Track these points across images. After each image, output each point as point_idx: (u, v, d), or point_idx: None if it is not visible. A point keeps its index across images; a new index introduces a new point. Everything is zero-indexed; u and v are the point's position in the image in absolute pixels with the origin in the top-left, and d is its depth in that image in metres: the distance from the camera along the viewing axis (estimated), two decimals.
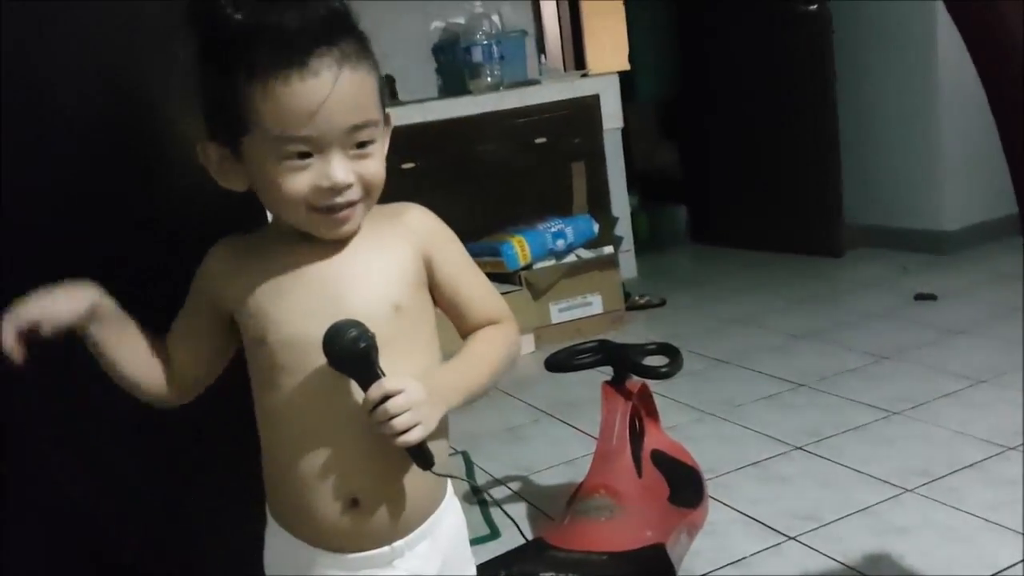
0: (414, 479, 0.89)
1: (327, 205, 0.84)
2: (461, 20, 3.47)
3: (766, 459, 2.09)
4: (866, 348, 2.74)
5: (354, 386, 0.85)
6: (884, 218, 3.84)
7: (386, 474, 0.89)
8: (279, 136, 0.81)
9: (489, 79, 3.34)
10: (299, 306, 0.87)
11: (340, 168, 0.82)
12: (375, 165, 0.86)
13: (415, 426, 0.83)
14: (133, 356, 0.90)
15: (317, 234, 0.87)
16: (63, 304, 0.84)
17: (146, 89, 1.40)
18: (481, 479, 2.13)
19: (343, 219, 0.86)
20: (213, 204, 1.24)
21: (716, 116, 4.28)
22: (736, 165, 4.23)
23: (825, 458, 2.06)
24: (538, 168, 3.41)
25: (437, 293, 0.95)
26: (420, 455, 0.86)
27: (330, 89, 0.79)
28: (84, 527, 1.46)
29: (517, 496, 2.07)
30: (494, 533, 1.84)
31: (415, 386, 0.84)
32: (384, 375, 0.83)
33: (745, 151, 4.16)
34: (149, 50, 1.36)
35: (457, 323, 0.98)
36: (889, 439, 2.13)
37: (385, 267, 0.90)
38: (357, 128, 0.83)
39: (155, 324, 1.06)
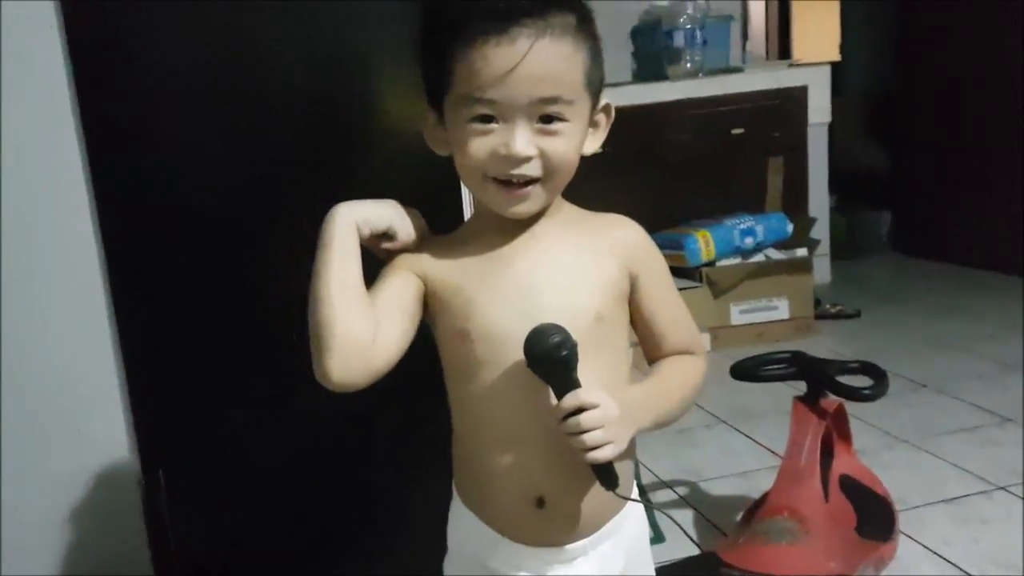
0: (601, 487, 0.85)
1: (504, 177, 0.83)
2: (664, 3, 3.37)
3: (964, 496, 1.91)
4: None
5: (550, 390, 0.82)
6: None
7: (574, 478, 0.87)
8: (467, 96, 0.81)
9: (689, 65, 3.22)
10: (505, 301, 0.86)
11: (521, 139, 0.81)
12: (561, 144, 0.83)
13: (606, 444, 0.80)
14: (361, 295, 0.84)
15: (495, 208, 0.86)
16: (411, 228, 0.89)
17: (356, 74, 1.47)
18: (646, 479, 2.07)
19: (519, 196, 0.84)
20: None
21: (933, 118, 3.95)
22: (951, 172, 3.88)
23: None
24: (732, 160, 3.27)
25: (635, 313, 0.92)
26: (606, 474, 0.83)
27: (520, 57, 0.78)
28: (282, 489, 1.55)
29: (683, 502, 1.99)
30: (658, 537, 1.78)
31: (610, 403, 0.81)
32: (580, 386, 0.81)
33: (962, 158, 3.81)
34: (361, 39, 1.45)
35: (648, 346, 0.95)
36: None
37: (591, 274, 0.88)
38: (545, 101, 0.81)
39: None
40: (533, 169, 0.83)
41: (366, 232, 0.85)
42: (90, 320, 1.55)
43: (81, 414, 1.58)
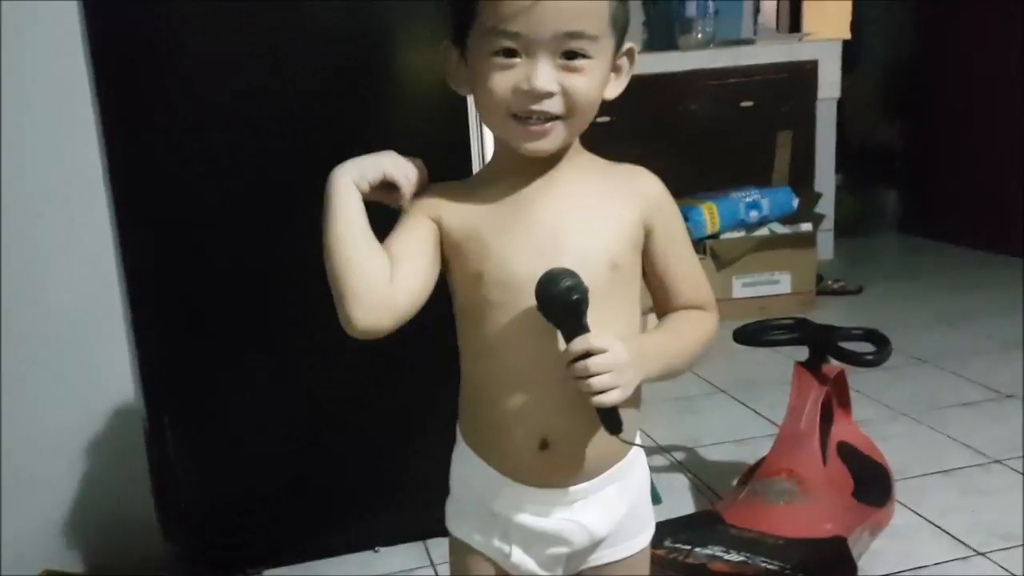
0: (606, 431, 0.86)
1: (525, 113, 0.82)
2: None
3: (962, 468, 1.92)
4: None
5: (560, 334, 0.82)
6: None
7: (579, 422, 0.87)
8: (491, 29, 0.80)
9: (700, 35, 3.20)
10: (520, 245, 0.85)
11: (544, 74, 0.80)
12: (584, 82, 0.82)
13: (613, 389, 0.80)
14: (369, 244, 0.84)
15: (514, 144, 0.85)
16: (409, 174, 0.88)
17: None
18: (644, 444, 2.08)
19: (539, 132, 0.83)
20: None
21: (949, 99, 3.92)
22: (964, 155, 3.85)
23: None
24: (740, 133, 3.25)
25: (648, 265, 0.91)
26: (611, 419, 0.83)
27: None
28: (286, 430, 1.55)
29: (680, 466, 2.00)
30: (655, 498, 1.79)
31: (620, 348, 0.80)
32: (589, 330, 0.80)
33: (976, 141, 3.78)
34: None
35: (659, 300, 0.94)
36: None
37: (608, 223, 0.88)
38: (569, 36, 0.80)
39: None
40: (554, 106, 0.82)
41: (364, 186, 0.84)
42: (97, 266, 1.55)
43: (87, 359, 1.58)
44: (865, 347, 1.66)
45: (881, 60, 4.55)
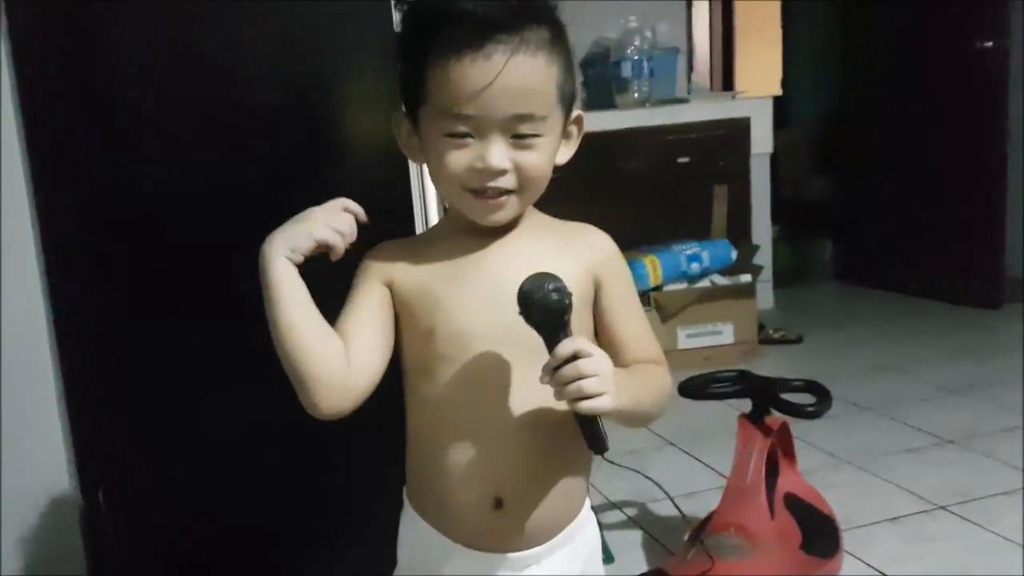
0: (559, 486, 0.87)
1: (480, 188, 0.84)
2: (612, 35, 3.44)
3: (907, 515, 1.95)
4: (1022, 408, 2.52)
5: (512, 383, 0.83)
6: None
7: (532, 477, 0.87)
8: (443, 111, 0.82)
9: (636, 95, 3.29)
10: (471, 299, 0.87)
11: (496, 153, 0.82)
12: (535, 158, 0.84)
13: (603, 395, 0.78)
14: (318, 324, 0.83)
15: (471, 216, 0.87)
16: (340, 230, 0.84)
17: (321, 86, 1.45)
18: (596, 501, 2.07)
19: (495, 206, 0.86)
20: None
21: (875, 149, 4.09)
22: (892, 202, 4.01)
23: (972, 521, 1.89)
24: (678, 188, 3.33)
25: (599, 321, 0.93)
26: (596, 435, 0.81)
27: (496, 74, 0.79)
28: (217, 494, 1.50)
29: (632, 523, 1.99)
30: (608, 557, 1.78)
31: (605, 355, 0.80)
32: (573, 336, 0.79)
33: (903, 189, 3.94)
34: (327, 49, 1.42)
35: (611, 356, 0.92)
36: None
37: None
38: (519, 119, 0.82)
39: None
40: (508, 182, 0.84)
41: (299, 258, 0.82)
42: (28, 335, 1.50)
43: (18, 434, 1.52)
44: (806, 398, 1.68)
45: (811, 115, 4.73)
